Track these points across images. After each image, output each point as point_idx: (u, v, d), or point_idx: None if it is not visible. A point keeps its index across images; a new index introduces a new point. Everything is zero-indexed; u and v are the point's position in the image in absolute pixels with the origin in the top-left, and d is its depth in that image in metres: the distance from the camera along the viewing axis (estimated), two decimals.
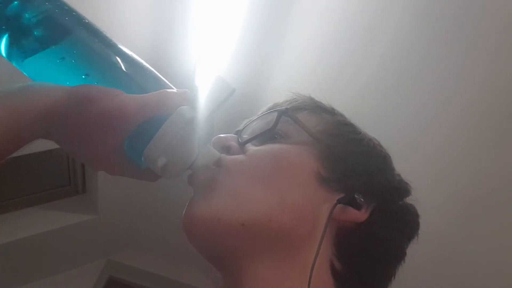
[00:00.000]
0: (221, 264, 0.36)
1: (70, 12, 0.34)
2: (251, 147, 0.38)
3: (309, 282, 0.31)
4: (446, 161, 0.81)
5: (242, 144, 0.38)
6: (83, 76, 0.32)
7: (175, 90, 0.34)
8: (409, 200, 0.38)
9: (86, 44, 0.33)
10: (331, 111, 0.43)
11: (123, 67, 0.34)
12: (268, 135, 0.38)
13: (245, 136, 0.39)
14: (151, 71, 0.36)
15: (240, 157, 0.36)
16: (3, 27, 0.32)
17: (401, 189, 0.38)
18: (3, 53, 0.33)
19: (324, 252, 0.33)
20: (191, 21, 1.19)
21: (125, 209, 1.89)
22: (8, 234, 1.57)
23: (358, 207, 0.34)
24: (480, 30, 0.72)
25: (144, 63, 0.35)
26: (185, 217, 0.35)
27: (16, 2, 0.31)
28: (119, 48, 0.34)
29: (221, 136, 0.39)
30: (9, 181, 1.59)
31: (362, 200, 0.34)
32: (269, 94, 1.29)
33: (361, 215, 0.34)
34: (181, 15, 1.17)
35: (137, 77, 0.34)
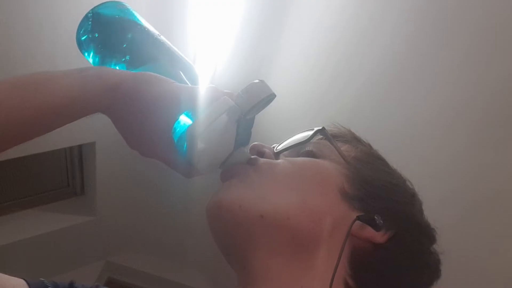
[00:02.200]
0: (235, 257, 0.37)
1: (150, 36, 0.42)
2: (284, 158, 0.41)
3: None
4: (444, 161, 0.81)
5: (277, 154, 0.41)
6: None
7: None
8: (435, 247, 0.39)
9: (154, 58, 0.42)
10: (367, 145, 0.44)
11: (177, 68, 0.41)
12: (302, 147, 0.41)
13: (280, 147, 0.42)
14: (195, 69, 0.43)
15: (272, 160, 0.39)
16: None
17: (426, 229, 0.38)
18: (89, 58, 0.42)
19: (339, 267, 0.33)
20: (189, 21, 1.19)
21: (124, 211, 1.89)
22: (6, 236, 1.57)
23: (377, 228, 0.34)
24: (477, 29, 0.73)
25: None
26: (209, 202, 0.37)
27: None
28: (174, 51, 0.43)
29: (257, 143, 0.42)
30: (8, 183, 1.59)
31: (382, 222, 0.34)
32: None
33: (378, 236, 0.34)
34: (179, 14, 1.17)
35: (187, 75, 0.41)
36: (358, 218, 0.34)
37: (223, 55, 1.29)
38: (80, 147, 1.60)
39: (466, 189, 0.78)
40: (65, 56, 1.07)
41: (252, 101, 0.36)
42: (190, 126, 0.34)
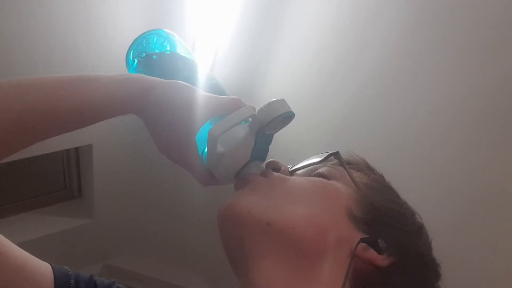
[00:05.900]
0: (240, 262, 0.38)
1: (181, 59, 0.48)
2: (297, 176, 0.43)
3: None
4: (441, 161, 0.82)
5: (291, 173, 0.44)
6: None
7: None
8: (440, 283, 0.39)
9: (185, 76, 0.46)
10: (380, 176, 0.45)
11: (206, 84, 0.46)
12: (315, 169, 0.42)
13: (294, 167, 0.45)
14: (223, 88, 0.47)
15: (285, 176, 0.41)
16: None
17: (430, 262, 0.39)
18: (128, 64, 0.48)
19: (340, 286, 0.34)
20: (188, 11, 1.19)
21: (121, 213, 1.88)
22: None
23: (379, 251, 0.35)
24: (474, 28, 0.73)
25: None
26: (221, 207, 0.39)
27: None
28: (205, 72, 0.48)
29: (274, 160, 0.45)
30: (4, 186, 1.58)
31: (385, 246, 0.35)
32: (264, 94, 1.29)
33: (380, 260, 0.35)
34: (175, 14, 1.17)
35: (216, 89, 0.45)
36: (361, 240, 0.35)
37: (222, 46, 1.28)
38: (77, 149, 1.60)
39: (463, 188, 0.78)
40: (62, 57, 1.07)
41: (272, 115, 0.38)
42: (212, 127, 0.37)
